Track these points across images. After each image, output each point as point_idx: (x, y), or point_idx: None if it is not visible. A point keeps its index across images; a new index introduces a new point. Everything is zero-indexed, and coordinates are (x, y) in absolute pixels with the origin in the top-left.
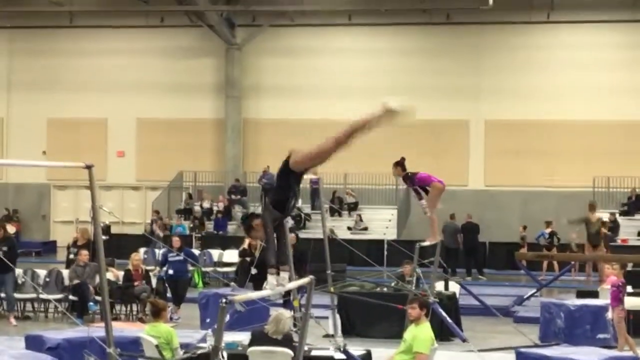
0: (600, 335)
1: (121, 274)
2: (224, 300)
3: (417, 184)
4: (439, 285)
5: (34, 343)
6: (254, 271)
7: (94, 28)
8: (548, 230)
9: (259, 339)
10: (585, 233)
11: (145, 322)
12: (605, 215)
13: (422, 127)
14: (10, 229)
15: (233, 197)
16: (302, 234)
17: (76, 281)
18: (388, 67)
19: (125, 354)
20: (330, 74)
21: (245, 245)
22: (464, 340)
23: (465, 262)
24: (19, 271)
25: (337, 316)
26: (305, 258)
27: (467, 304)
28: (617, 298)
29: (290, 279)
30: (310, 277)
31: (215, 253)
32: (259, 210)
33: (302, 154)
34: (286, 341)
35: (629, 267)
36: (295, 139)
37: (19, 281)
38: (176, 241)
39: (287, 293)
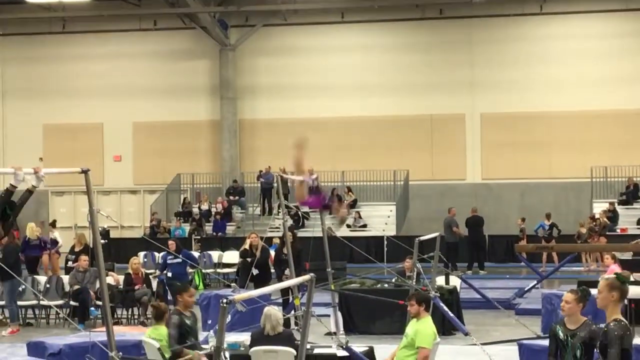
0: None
1: (121, 278)
2: (224, 300)
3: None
4: (440, 280)
5: (35, 349)
6: (255, 271)
7: (87, 33)
8: (547, 222)
9: (259, 339)
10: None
11: (146, 325)
12: (604, 205)
13: (418, 123)
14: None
15: (231, 198)
16: (301, 233)
17: (76, 287)
18: (382, 64)
19: (128, 358)
20: (325, 71)
21: (247, 245)
22: (466, 334)
23: (469, 256)
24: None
25: (339, 314)
26: (301, 257)
27: (468, 298)
28: None
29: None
30: (311, 275)
31: (215, 255)
32: (257, 210)
33: None
34: (288, 340)
35: (629, 256)
36: (291, 138)
37: (19, 288)
38: (171, 244)
39: (287, 292)
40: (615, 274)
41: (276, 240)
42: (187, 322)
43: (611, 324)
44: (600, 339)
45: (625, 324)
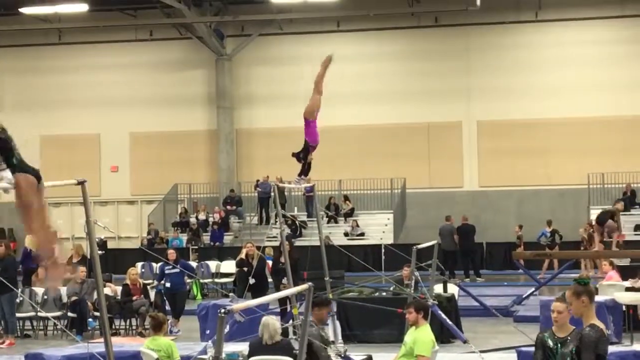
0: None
1: (119, 288)
2: (222, 310)
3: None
4: (438, 288)
5: None
6: (251, 281)
7: (83, 44)
8: (549, 229)
9: (258, 349)
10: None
11: (145, 336)
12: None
13: (415, 131)
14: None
15: (228, 207)
16: (299, 242)
17: (74, 298)
18: (378, 72)
19: None
20: None
21: (243, 255)
22: (464, 342)
23: (463, 264)
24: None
25: (337, 322)
26: (298, 266)
27: (466, 306)
28: None
29: None
30: (309, 284)
31: (212, 264)
32: (254, 220)
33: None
34: (286, 349)
35: (627, 263)
36: (288, 147)
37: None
38: (171, 254)
39: (285, 301)
40: (574, 279)
41: (269, 251)
42: (323, 334)
43: (586, 329)
44: (577, 343)
45: (601, 329)
